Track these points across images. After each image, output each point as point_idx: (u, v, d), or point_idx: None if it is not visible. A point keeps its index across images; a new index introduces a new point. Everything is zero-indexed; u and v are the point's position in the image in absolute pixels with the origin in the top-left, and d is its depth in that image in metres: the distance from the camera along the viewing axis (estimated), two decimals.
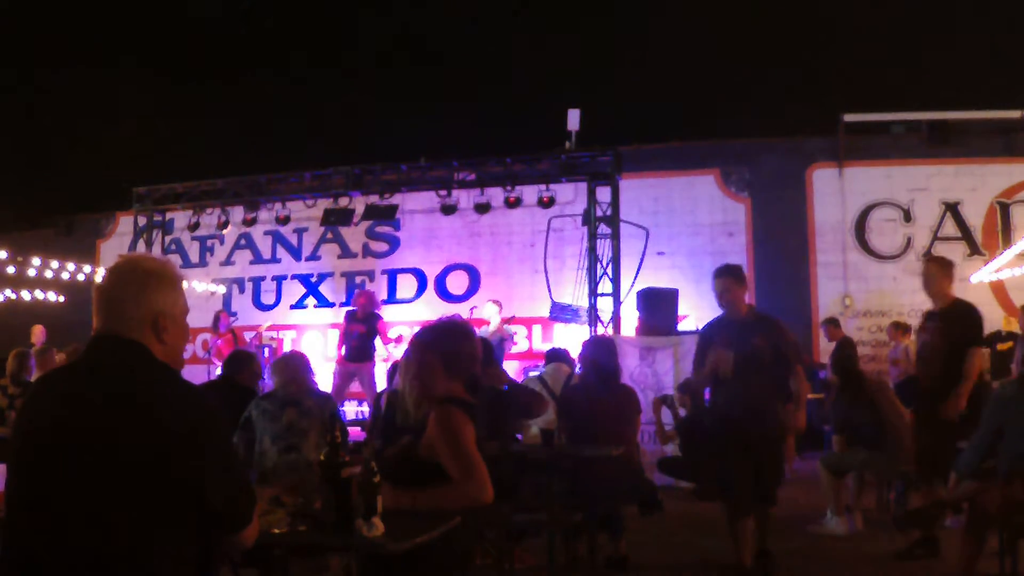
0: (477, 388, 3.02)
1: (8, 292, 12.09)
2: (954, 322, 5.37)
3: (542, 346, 11.20)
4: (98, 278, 10.71)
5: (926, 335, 5.55)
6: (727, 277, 5.01)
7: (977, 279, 10.87)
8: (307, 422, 4.59)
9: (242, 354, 5.83)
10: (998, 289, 11.05)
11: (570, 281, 10.89)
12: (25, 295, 12.10)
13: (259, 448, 4.59)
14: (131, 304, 1.95)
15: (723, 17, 19.58)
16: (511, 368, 11.08)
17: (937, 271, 5.53)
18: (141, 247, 11.74)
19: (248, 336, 11.97)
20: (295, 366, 4.88)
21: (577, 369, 6.10)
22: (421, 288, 12.81)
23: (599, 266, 9.95)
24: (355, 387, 10.12)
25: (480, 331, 10.21)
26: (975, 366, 5.32)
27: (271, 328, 12.69)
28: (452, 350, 2.99)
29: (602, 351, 5.46)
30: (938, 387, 5.30)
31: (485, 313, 10.46)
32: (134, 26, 19.98)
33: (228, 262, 13.63)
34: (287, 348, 12.69)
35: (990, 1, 17.26)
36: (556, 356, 6.73)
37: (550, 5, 21.93)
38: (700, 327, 10.55)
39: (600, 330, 9.71)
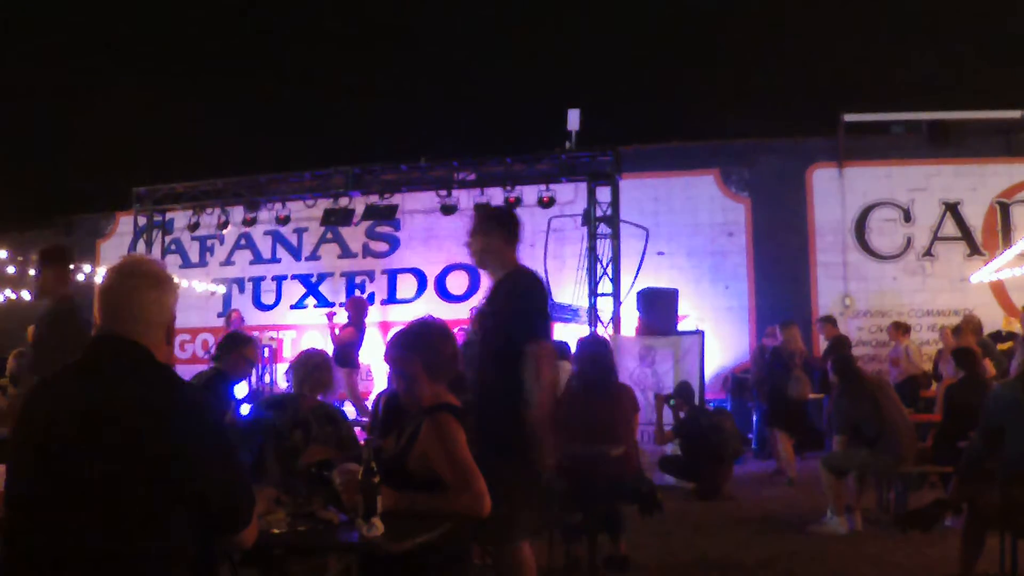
0: (462, 387, 2.92)
1: (8, 292, 12.08)
2: (503, 306, 3.41)
3: None
4: (98, 278, 10.71)
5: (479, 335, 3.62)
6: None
7: (977, 279, 10.88)
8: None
9: (231, 341, 5.18)
10: (998, 289, 11.05)
11: (570, 281, 10.88)
12: (25, 295, 12.09)
13: (264, 456, 4.50)
14: (153, 308, 2.00)
15: (723, 17, 19.60)
16: None
17: (489, 235, 3.54)
18: (141, 247, 11.73)
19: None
20: (310, 372, 4.37)
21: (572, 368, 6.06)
22: (421, 288, 12.81)
23: (599, 266, 9.95)
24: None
25: None
26: (546, 374, 3.26)
27: (271, 328, 12.70)
28: (432, 353, 2.86)
29: (597, 350, 5.45)
30: (496, 414, 3.23)
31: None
32: (134, 25, 19.99)
33: (228, 262, 13.62)
34: (287, 348, 12.69)
35: (990, 1, 17.27)
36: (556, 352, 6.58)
37: (551, 5, 21.94)
38: (699, 328, 10.64)
39: (600, 330, 9.69)
